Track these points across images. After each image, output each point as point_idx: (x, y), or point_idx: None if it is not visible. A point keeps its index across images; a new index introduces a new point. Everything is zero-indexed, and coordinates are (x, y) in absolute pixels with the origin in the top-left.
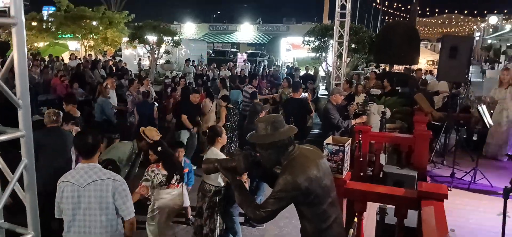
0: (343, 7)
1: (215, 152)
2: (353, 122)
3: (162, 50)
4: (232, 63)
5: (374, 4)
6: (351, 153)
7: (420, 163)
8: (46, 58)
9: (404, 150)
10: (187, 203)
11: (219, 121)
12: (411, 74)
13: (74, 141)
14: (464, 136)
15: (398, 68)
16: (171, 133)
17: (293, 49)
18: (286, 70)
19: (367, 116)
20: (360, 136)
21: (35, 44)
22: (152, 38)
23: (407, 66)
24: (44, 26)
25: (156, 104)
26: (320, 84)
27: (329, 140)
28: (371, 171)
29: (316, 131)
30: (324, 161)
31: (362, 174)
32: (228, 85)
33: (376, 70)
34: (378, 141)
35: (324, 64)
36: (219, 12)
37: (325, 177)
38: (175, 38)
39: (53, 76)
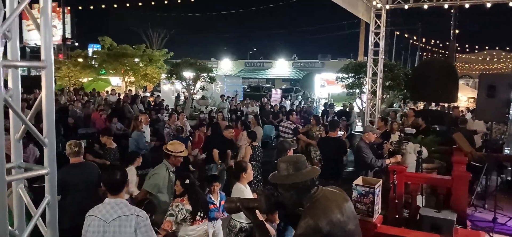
0: (376, 44)
1: (240, 188)
2: (387, 161)
3: (198, 86)
4: (266, 99)
5: (411, 41)
6: (386, 194)
7: (459, 206)
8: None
9: (442, 192)
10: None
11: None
12: (449, 112)
13: (102, 177)
14: (508, 178)
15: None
16: (199, 167)
17: (327, 85)
18: (322, 106)
19: (403, 155)
20: (395, 176)
21: (80, 80)
22: (188, 74)
23: (444, 104)
24: (88, 63)
25: (191, 138)
26: (356, 120)
27: (359, 181)
28: (407, 214)
29: (351, 168)
30: (348, 205)
31: (397, 216)
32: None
33: (415, 107)
34: (414, 182)
35: (358, 100)
36: (255, 49)
37: (350, 222)
38: (210, 74)
39: (94, 110)
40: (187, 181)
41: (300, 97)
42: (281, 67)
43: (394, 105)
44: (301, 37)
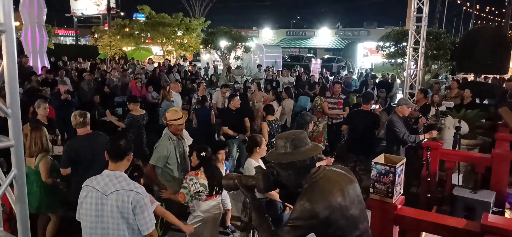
0: (419, 10)
1: (252, 163)
2: (422, 136)
3: (233, 55)
4: (302, 68)
5: (464, 8)
6: (418, 171)
7: (498, 186)
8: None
9: (480, 171)
10: (228, 206)
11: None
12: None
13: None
14: None
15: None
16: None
17: (371, 54)
18: (361, 76)
19: (440, 130)
20: (428, 152)
21: (124, 48)
22: (224, 43)
23: (496, 76)
24: (128, 32)
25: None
26: (398, 92)
27: (380, 159)
28: (441, 193)
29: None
30: (354, 187)
31: (429, 195)
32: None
33: (459, 79)
34: (449, 159)
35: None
36: (298, 18)
37: (352, 206)
38: (245, 44)
39: (131, 79)
40: (203, 153)
41: (344, 68)
42: (324, 36)
43: (440, 76)
44: (346, 4)
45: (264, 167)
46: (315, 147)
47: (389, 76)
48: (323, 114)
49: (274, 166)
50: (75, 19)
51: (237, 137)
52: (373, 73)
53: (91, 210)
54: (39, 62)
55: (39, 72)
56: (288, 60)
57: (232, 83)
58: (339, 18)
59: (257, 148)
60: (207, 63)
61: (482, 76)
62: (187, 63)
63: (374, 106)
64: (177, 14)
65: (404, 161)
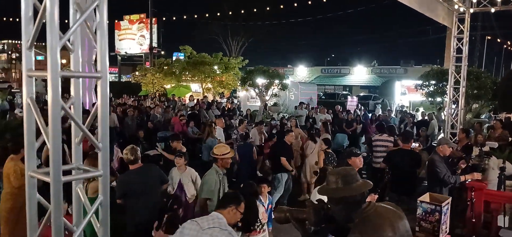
0: (459, 50)
1: (316, 195)
2: (463, 178)
3: (270, 92)
4: (339, 106)
5: (504, 46)
6: (463, 212)
7: None
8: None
9: None
10: None
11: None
12: None
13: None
14: None
15: None
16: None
17: (408, 92)
18: (399, 114)
19: (484, 171)
20: (473, 193)
21: (164, 86)
22: (261, 81)
23: None
24: (170, 70)
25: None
26: (436, 131)
27: (425, 197)
28: (487, 235)
29: None
30: (403, 223)
31: None
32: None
33: (502, 118)
34: (495, 201)
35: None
36: (332, 56)
37: None
38: (283, 81)
39: (173, 115)
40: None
41: (379, 106)
42: (359, 74)
43: (482, 116)
44: (381, 42)
45: (315, 202)
46: (365, 183)
47: (427, 115)
48: None
49: (326, 201)
50: (119, 58)
51: (292, 171)
52: (406, 110)
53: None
54: (88, 98)
55: (87, 106)
56: (323, 97)
57: (268, 120)
58: (374, 56)
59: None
60: (238, 101)
61: None
62: (225, 99)
63: (414, 145)
64: (217, 54)
65: (449, 200)
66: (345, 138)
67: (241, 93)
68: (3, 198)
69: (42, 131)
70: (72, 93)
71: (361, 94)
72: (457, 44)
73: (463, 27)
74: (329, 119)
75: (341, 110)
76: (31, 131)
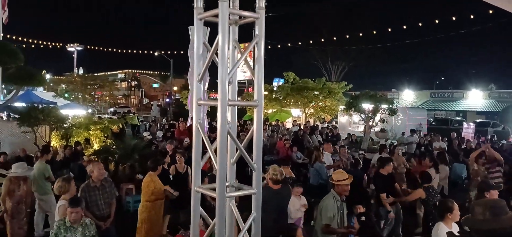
0: None
1: (443, 228)
2: None
3: (377, 118)
4: (455, 134)
5: None
6: None
7: None
8: (273, 123)
9: None
10: None
11: None
12: None
13: None
14: None
15: None
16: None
17: None
18: None
19: None
20: None
21: (266, 111)
22: (367, 106)
23: None
24: (273, 96)
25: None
26: None
27: None
28: None
29: None
30: None
31: None
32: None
33: None
34: None
35: None
36: (442, 78)
37: None
38: (391, 106)
39: (278, 139)
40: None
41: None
42: (475, 98)
43: None
44: (499, 64)
45: (457, 234)
46: None
47: None
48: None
49: (472, 233)
50: None
51: (390, 212)
52: None
53: None
54: (206, 122)
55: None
56: (434, 123)
57: (375, 146)
58: (492, 79)
59: (449, 214)
60: (327, 126)
61: None
62: (326, 124)
63: None
64: (320, 79)
65: None
66: (463, 168)
67: (343, 118)
68: (139, 209)
69: (209, 151)
70: (229, 118)
71: (478, 120)
72: None
73: None
74: (443, 147)
75: (456, 137)
76: (198, 151)
